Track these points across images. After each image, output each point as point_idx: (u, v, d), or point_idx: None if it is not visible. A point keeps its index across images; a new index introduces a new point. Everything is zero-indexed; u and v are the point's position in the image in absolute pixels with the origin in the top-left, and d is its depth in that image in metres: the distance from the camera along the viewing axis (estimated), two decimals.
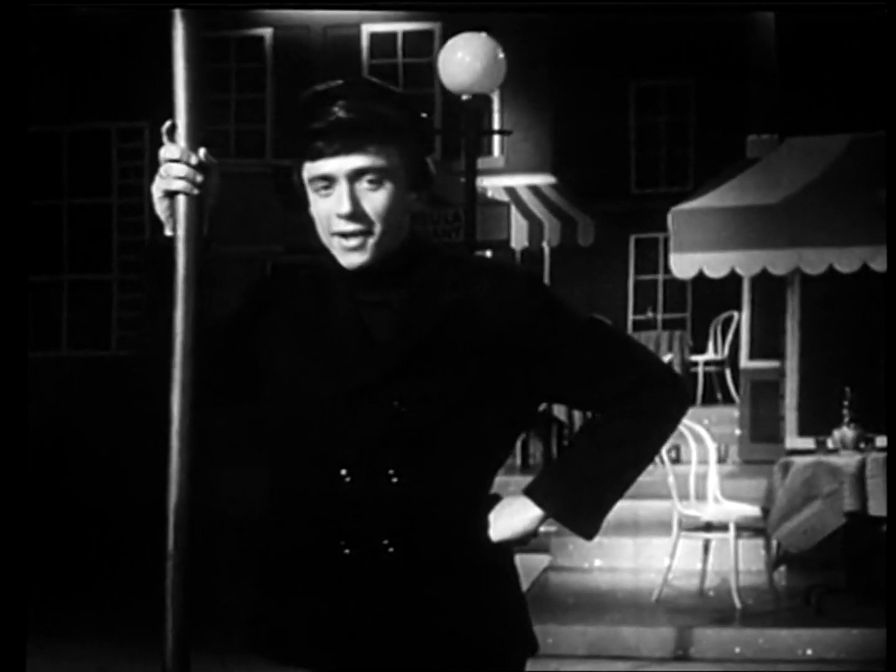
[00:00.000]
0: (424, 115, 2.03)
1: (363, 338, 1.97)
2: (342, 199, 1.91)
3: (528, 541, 2.04)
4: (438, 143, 12.79)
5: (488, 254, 13.43)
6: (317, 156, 1.92)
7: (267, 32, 13.96)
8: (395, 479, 1.91)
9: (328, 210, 1.93)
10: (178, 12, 1.91)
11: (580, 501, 2.00)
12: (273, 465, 2.03)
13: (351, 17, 13.44)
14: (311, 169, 1.94)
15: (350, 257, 1.95)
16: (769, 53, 9.79)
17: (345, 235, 1.93)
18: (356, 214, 1.92)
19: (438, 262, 2.01)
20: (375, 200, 1.93)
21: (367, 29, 13.83)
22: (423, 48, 13.51)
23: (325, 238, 1.97)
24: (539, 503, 2.00)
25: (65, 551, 7.92)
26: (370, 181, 1.92)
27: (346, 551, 1.93)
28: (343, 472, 1.92)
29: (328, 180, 1.93)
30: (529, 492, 2.02)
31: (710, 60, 12.91)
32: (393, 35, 13.84)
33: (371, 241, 1.94)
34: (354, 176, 1.92)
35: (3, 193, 2.00)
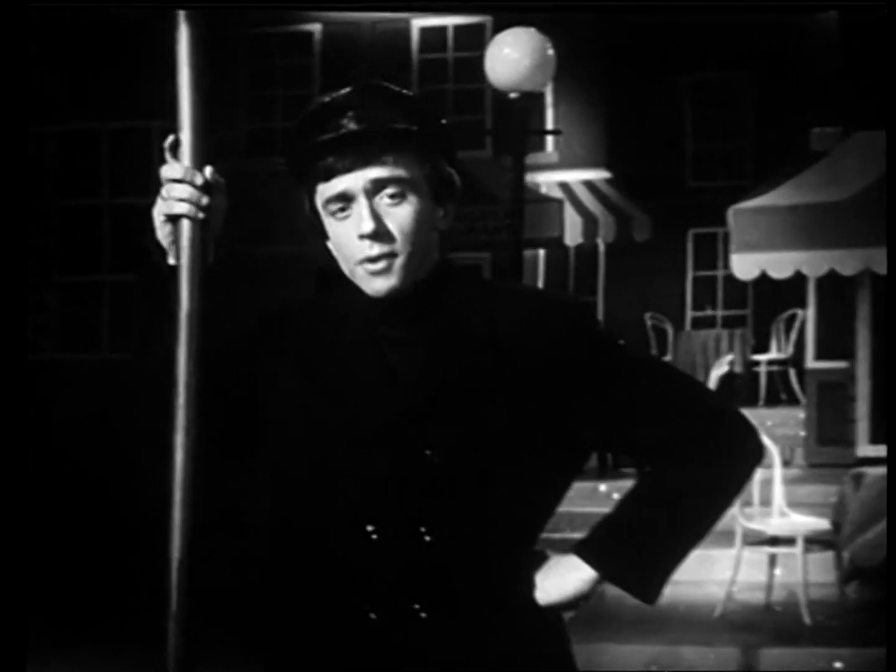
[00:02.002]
0: (444, 121, 1.81)
1: (387, 377, 1.74)
2: (363, 218, 1.70)
3: (579, 604, 1.80)
4: (489, 139, 12.57)
5: (541, 252, 13.30)
6: (328, 175, 1.71)
7: (316, 28, 13.82)
8: (427, 537, 1.70)
9: (348, 234, 1.72)
10: (181, 15, 1.72)
11: (639, 561, 1.76)
12: (286, 520, 1.81)
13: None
14: (324, 191, 1.73)
15: (376, 282, 1.72)
16: (832, 43, 9.45)
17: (370, 260, 1.71)
18: (380, 234, 1.70)
19: (472, 291, 1.78)
20: (399, 216, 1.71)
21: (417, 23, 13.65)
22: (474, 42, 13.27)
23: (347, 268, 1.75)
24: (591, 563, 1.76)
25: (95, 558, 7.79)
26: (391, 196, 1.71)
27: (372, 616, 1.72)
28: (369, 528, 1.71)
29: (344, 200, 1.71)
30: (580, 550, 1.78)
31: (768, 50, 12.55)
32: (443, 29, 13.64)
33: (398, 262, 1.72)
34: (373, 190, 1.71)
35: (4, 194, 1.91)
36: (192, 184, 1.68)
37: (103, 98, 12.07)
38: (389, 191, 1.71)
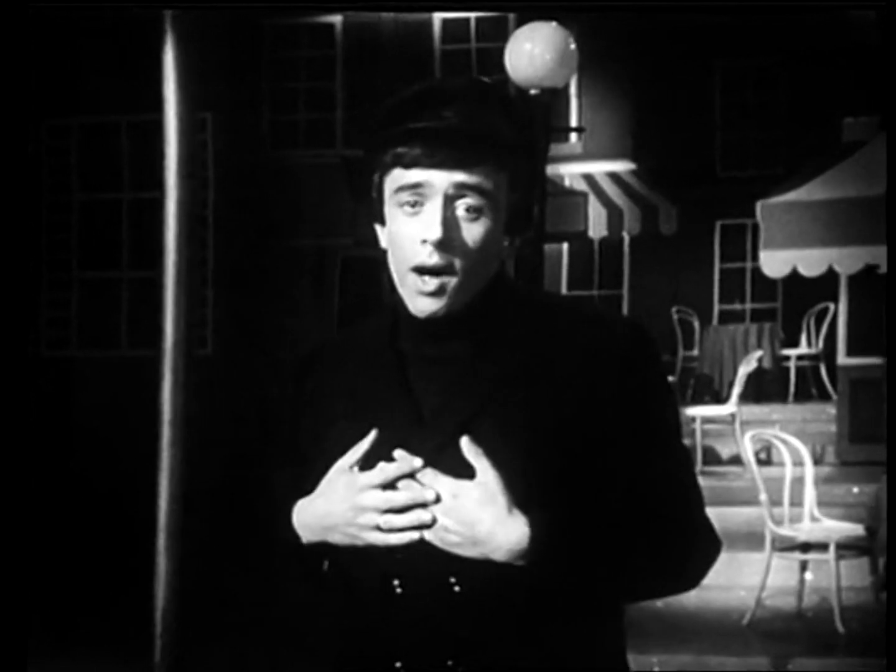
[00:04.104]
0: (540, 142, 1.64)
1: (410, 410, 1.59)
2: (433, 223, 1.53)
3: None
4: None
5: (565, 246, 13.09)
6: (411, 163, 1.53)
7: (337, 20, 13.68)
8: (457, 588, 1.54)
9: (411, 235, 1.54)
10: (168, 38, 1.59)
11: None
12: (309, 572, 1.67)
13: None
14: (399, 177, 1.55)
15: (423, 302, 1.56)
16: (869, 28, 9.19)
17: (425, 272, 1.54)
18: (446, 244, 1.53)
19: (519, 307, 1.61)
20: (473, 233, 1.55)
21: (440, 14, 13.48)
22: (497, 33, 13.09)
23: (397, 273, 1.58)
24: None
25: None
26: (470, 209, 1.54)
27: None
28: (395, 581, 1.56)
29: (420, 195, 1.54)
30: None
31: (801, 37, 12.29)
32: (466, 21, 13.47)
33: (452, 285, 1.55)
34: (455, 194, 1.54)
35: (8, 192, 1.90)
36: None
37: (123, 90, 11.95)
38: (470, 201, 1.54)
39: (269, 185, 12.23)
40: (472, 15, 13.35)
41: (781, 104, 13.17)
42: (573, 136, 13.03)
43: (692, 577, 1.63)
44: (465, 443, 1.51)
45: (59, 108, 11.40)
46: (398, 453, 1.52)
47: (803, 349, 11.97)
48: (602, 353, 1.56)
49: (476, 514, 1.49)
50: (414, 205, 1.54)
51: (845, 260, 8.10)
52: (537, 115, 6.89)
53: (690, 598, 7.06)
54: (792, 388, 11.67)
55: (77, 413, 10.86)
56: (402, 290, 1.58)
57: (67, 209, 11.93)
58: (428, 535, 1.51)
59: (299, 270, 12.61)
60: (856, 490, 7.96)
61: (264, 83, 13.35)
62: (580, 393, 1.55)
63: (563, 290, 13.32)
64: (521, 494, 1.51)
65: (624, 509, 1.56)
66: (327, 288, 12.89)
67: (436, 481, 1.51)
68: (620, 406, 1.56)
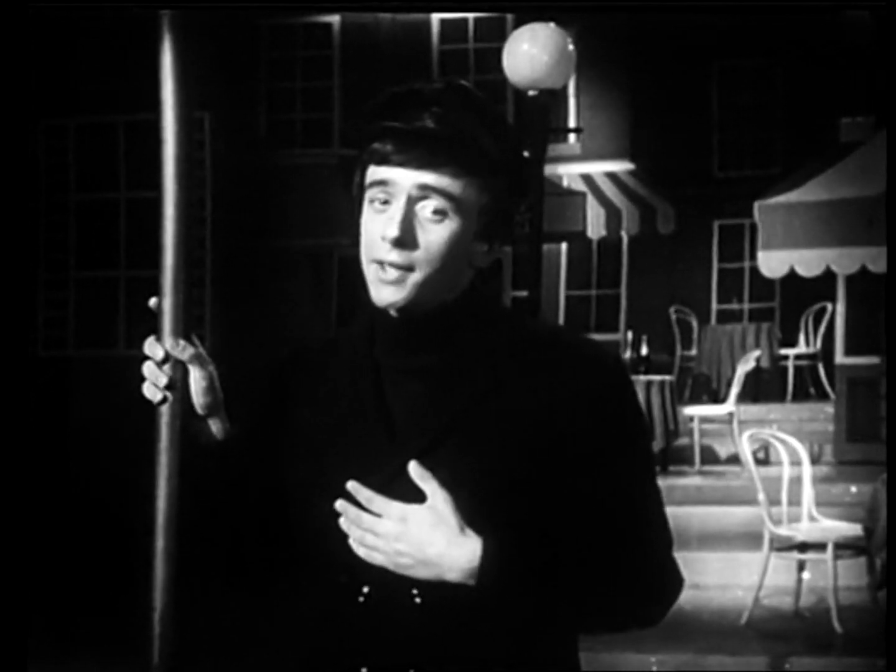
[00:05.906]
0: (526, 153, 1.65)
1: (382, 423, 1.60)
2: (393, 221, 1.54)
3: None
4: None
5: (563, 246, 13.10)
6: (382, 160, 1.56)
7: (335, 19, 13.68)
8: (417, 599, 1.55)
9: (375, 231, 1.56)
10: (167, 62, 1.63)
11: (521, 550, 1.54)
12: (281, 577, 1.72)
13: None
14: (372, 174, 1.58)
15: (384, 291, 1.57)
16: (865, 28, 9.21)
17: (384, 265, 1.56)
18: (404, 242, 1.54)
19: (498, 325, 1.62)
20: (433, 234, 1.55)
21: (437, 14, 13.48)
22: (495, 34, 13.11)
23: (364, 262, 1.60)
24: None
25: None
26: (434, 211, 1.55)
27: None
28: (365, 588, 1.58)
29: (387, 192, 1.56)
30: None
31: (799, 37, 12.31)
32: (464, 21, 13.48)
33: (412, 277, 1.56)
34: (417, 195, 1.55)
35: (9, 191, 1.87)
36: (155, 362, 1.58)
37: (120, 90, 11.97)
38: (434, 203, 1.55)
39: (266, 185, 12.24)
40: (471, 15, 13.36)
41: (779, 105, 13.19)
42: (571, 137, 13.04)
43: (652, 613, 1.61)
44: (413, 466, 1.52)
45: (57, 108, 11.39)
46: (350, 485, 1.53)
47: (801, 349, 11.98)
48: (576, 383, 1.56)
49: (427, 536, 1.50)
50: (383, 202, 1.56)
51: (843, 260, 8.12)
52: (535, 116, 6.90)
53: (688, 598, 7.06)
54: (790, 388, 11.69)
55: (74, 413, 10.86)
56: (367, 280, 1.60)
57: (65, 209, 11.93)
58: (381, 558, 1.52)
59: (297, 269, 12.62)
60: (853, 489, 7.97)
61: (262, 83, 13.36)
62: (549, 419, 1.56)
63: (562, 290, 13.33)
64: (483, 513, 1.51)
65: (586, 538, 1.56)
66: (325, 287, 12.90)
67: (386, 507, 1.51)
68: (592, 437, 1.56)
